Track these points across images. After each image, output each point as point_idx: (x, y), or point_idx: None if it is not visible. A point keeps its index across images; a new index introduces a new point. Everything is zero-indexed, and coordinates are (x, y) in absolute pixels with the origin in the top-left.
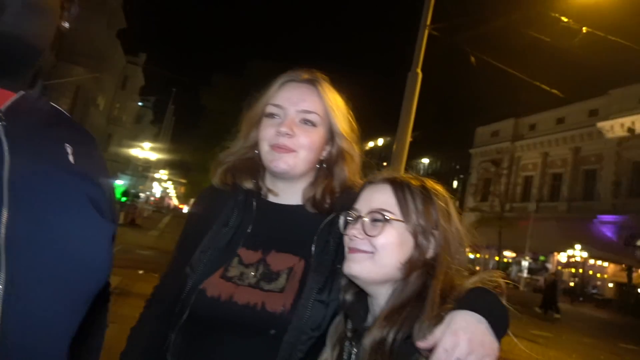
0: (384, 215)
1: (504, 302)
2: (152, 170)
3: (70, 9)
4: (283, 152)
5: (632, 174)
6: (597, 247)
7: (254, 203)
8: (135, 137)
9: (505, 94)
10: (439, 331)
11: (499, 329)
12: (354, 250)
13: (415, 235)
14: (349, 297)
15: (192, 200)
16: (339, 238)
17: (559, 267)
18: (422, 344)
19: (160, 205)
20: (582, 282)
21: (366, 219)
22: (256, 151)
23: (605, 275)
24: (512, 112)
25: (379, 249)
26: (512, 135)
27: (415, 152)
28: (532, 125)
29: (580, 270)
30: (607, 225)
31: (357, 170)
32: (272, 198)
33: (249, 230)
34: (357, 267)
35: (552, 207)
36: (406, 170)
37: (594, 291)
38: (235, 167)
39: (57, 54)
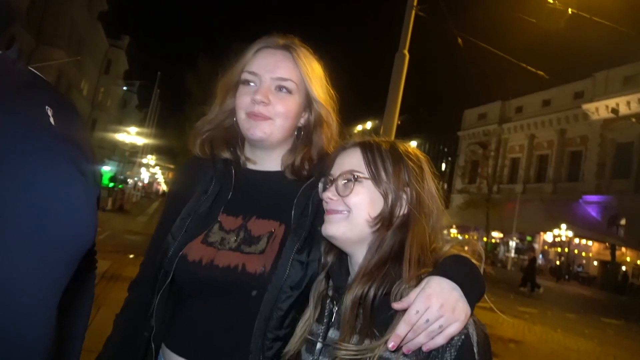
0: (354, 175)
1: (481, 270)
2: (139, 155)
3: None
4: (259, 120)
5: (616, 155)
6: (582, 227)
7: (233, 171)
8: (121, 122)
9: (492, 76)
10: (413, 294)
11: (473, 296)
12: (330, 211)
13: (385, 193)
14: (330, 258)
15: None
16: (318, 202)
17: (545, 247)
18: (396, 305)
19: (149, 191)
20: (567, 261)
21: (339, 181)
22: (234, 119)
23: (590, 254)
24: (499, 95)
25: (353, 208)
26: (499, 117)
27: (403, 134)
28: (519, 108)
29: (566, 250)
30: (591, 205)
31: (334, 137)
32: (251, 165)
33: (229, 197)
34: (334, 227)
35: (538, 188)
36: None
37: (579, 269)
38: (213, 138)
39: (37, 36)
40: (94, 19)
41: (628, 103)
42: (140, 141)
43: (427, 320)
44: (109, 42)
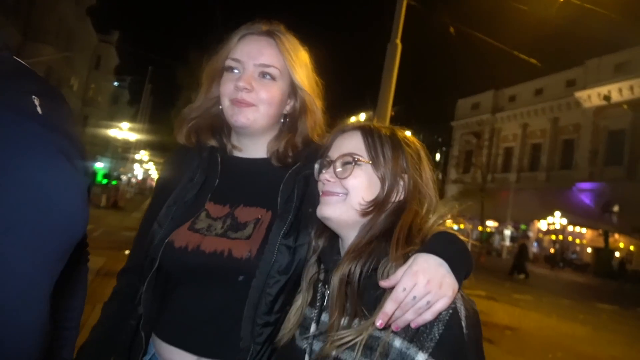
0: (354, 158)
1: (468, 246)
2: (132, 151)
3: None
4: (243, 107)
5: (608, 143)
6: (575, 214)
7: (219, 158)
8: (113, 118)
9: (485, 66)
10: (400, 271)
11: (461, 272)
12: (326, 193)
13: (382, 178)
14: (321, 242)
15: None
16: (304, 187)
17: (540, 235)
18: (384, 283)
19: (143, 187)
20: (561, 248)
21: (337, 163)
22: (220, 106)
23: (584, 241)
24: (491, 84)
25: (350, 190)
26: (492, 107)
27: (397, 125)
28: (512, 97)
29: (560, 237)
30: (584, 192)
31: (319, 124)
32: (237, 153)
33: (215, 185)
34: (330, 209)
35: (532, 177)
36: None
37: (573, 256)
38: (199, 126)
39: (24, 33)
40: (82, 14)
41: (620, 90)
42: (133, 137)
43: (415, 297)
44: (99, 37)
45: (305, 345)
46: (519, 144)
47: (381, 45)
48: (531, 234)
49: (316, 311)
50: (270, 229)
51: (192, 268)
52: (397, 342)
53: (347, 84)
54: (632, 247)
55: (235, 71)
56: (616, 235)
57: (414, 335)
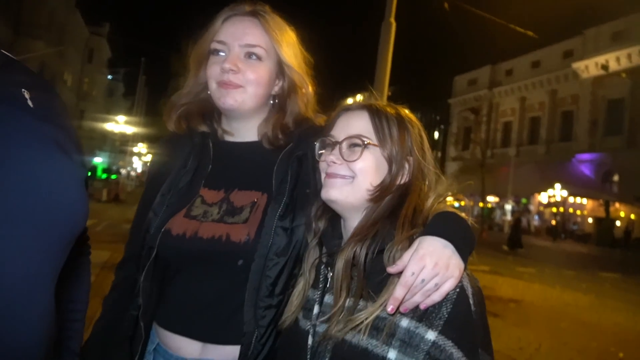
0: (363, 141)
1: (469, 223)
2: (130, 144)
3: None
4: (230, 89)
5: (608, 112)
6: (576, 186)
7: (210, 144)
8: (109, 111)
9: (480, 40)
10: (406, 256)
11: (465, 250)
12: (332, 175)
13: (390, 161)
14: (322, 224)
15: None
16: (297, 168)
17: (541, 208)
18: (391, 269)
19: (143, 180)
20: (563, 220)
21: (344, 145)
22: (209, 91)
23: (585, 212)
24: (488, 59)
25: (358, 174)
26: (489, 82)
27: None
28: (509, 71)
29: (561, 209)
30: (584, 163)
31: (310, 103)
32: (228, 138)
33: (208, 171)
34: (336, 192)
35: (531, 151)
36: None
37: (575, 227)
38: (189, 112)
39: (15, 27)
40: (71, 6)
41: (618, 59)
42: (130, 130)
43: (423, 280)
44: (89, 30)
45: (309, 327)
46: (518, 118)
47: (376, 25)
48: (532, 208)
49: (319, 293)
50: (266, 212)
51: (191, 255)
52: (405, 322)
53: (342, 65)
54: (632, 216)
55: (221, 54)
56: (617, 205)
57: (423, 314)
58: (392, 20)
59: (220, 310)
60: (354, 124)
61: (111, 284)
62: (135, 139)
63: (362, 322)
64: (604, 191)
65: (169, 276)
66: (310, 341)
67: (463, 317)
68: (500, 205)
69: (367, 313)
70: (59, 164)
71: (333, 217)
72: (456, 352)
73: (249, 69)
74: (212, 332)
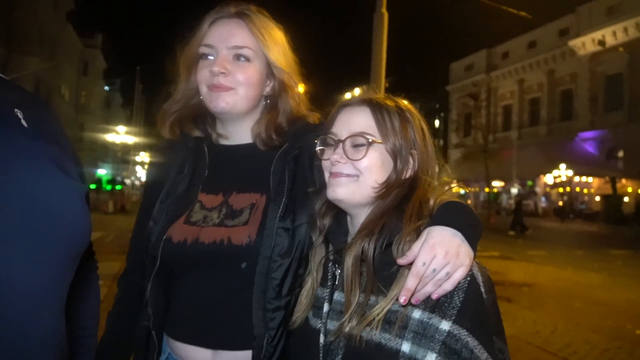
0: (367, 139)
1: (474, 210)
2: (132, 154)
3: None
4: (221, 91)
5: (606, 88)
6: (580, 164)
7: (206, 148)
8: (108, 122)
9: (474, 25)
10: (416, 246)
11: (474, 238)
12: (337, 174)
13: (394, 156)
14: (326, 221)
15: None
16: (294, 167)
17: (547, 189)
18: (402, 261)
19: None
20: (570, 200)
21: (347, 143)
22: (201, 96)
23: (592, 190)
24: (483, 43)
25: (364, 172)
26: (486, 66)
27: (393, 96)
28: (505, 54)
29: (568, 189)
30: (587, 141)
31: (301, 101)
32: (223, 141)
33: (205, 176)
34: (342, 190)
35: (533, 132)
36: None
37: (582, 207)
38: (182, 118)
39: (7, 44)
40: (62, 20)
41: (614, 33)
42: (131, 139)
43: (434, 270)
44: (82, 43)
45: (320, 325)
46: (517, 101)
47: (370, 16)
48: (539, 190)
49: (328, 291)
50: (266, 213)
51: (193, 261)
52: (417, 314)
53: (337, 59)
54: None
55: (210, 57)
56: (623, 181)
57: (435, 305)
58: (384, 10)
59: (227, 314)
60: (356, 120)
61: (114, 299)
62: (137, 148)
63: (374, 317)
64: (609, 168)
65: (174, 284)
66: (322, 339)
67: (476, 305)
68: (506, 190)
69: (380, 307)
70: (57, 182)
71: (338, 213)
72: (472, 341)
73: (238, 71)
74: (221, 337)
